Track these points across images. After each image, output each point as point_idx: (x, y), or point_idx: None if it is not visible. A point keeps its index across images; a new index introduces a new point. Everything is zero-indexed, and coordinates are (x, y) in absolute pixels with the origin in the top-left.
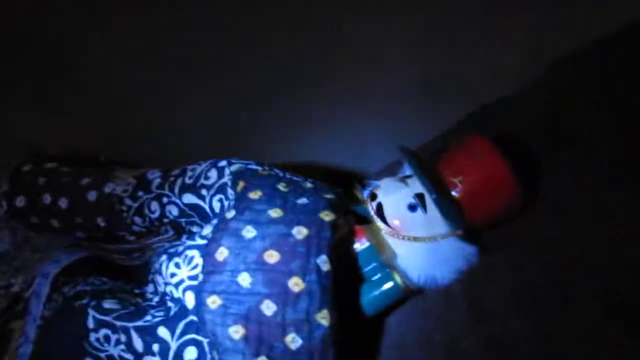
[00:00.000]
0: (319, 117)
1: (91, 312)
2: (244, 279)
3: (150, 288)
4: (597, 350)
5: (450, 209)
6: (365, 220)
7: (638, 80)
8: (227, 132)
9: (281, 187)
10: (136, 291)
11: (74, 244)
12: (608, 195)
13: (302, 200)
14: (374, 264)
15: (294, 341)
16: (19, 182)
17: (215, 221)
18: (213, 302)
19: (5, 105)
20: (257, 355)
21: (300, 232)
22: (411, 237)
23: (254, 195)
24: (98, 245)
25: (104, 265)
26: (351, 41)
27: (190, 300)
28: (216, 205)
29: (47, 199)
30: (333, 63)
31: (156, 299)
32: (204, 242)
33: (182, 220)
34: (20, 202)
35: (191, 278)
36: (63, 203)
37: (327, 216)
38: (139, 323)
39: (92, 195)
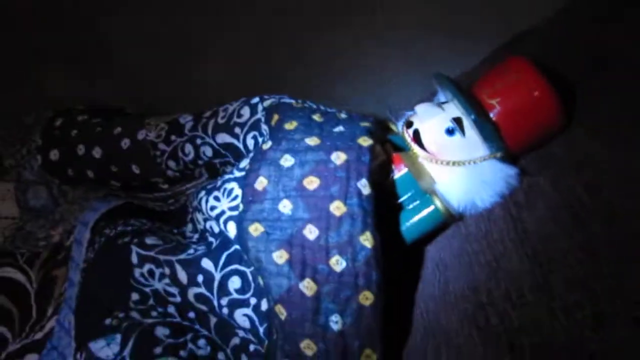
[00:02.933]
0: (342, 60)
1: (134, 248)
2: (285, 206)
3: (189, 227)
4: None
5: (489, 130)
6: (402, 149)
7: None
8: (250, 82)
9: (316, 117)
10: (175, 231)
11: (110, 193)
12: None
13: (339, 128)
14: (413, 191)
15: (338, 263)
16: (51, 136)
17: (252, 154)
18: (255, 229)
19: (35, 64)
20: (302, 277)
21: (339, 157)
22: (450, 161)
23: (290, 126)
24: (133, 193)
25: (141, 211)
26: None
27: (232, 230)
28: (250, 143)
29: (81, 150)
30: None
31: (196, 236)
32: (241, 174)
33: (217, 161)
34: (54, 155)
35: (232, 209)
36: (97, 153)
37: (365, 142)
38: (182, 256)
39: (125, 143)
